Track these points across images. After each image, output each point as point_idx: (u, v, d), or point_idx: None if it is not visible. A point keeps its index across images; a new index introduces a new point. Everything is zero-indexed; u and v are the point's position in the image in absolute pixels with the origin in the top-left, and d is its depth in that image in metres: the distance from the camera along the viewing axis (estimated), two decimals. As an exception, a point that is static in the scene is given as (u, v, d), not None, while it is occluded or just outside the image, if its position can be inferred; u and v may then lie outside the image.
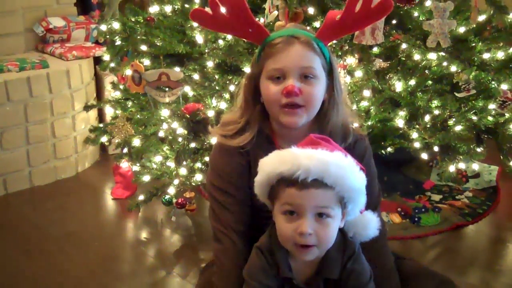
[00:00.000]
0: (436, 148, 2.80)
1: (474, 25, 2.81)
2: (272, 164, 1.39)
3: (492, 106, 2.83)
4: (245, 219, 1.64)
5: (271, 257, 1.40)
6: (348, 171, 1.36)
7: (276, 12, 2.49)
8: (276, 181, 1.38)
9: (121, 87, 3.25)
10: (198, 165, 2.83)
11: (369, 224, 1.49)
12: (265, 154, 1.46)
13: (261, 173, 1.42)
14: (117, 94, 3.30)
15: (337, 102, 1.62)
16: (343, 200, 1.38)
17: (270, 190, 1.42)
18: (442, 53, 2.71)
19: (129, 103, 3.15)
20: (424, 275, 1.56)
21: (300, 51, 1.55)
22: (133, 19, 3.05)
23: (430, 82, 2.83)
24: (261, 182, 1.42)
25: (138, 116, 3.02)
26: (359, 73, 2.69)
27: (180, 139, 2.83)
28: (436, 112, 2.75)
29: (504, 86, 2.76)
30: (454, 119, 2.78)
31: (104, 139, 3.48)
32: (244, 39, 2.54)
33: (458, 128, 2.76)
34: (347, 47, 2.74)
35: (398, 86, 2.72)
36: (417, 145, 2.77)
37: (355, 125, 1.75)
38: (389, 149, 2.82)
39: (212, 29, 2.32)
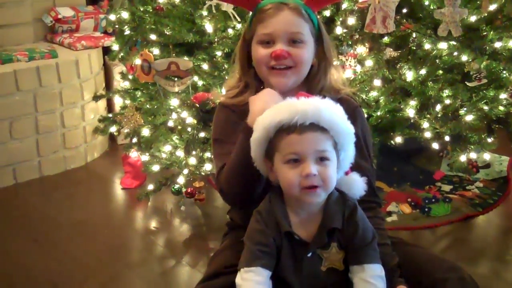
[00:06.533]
0: (447, 138, 2.79)
1: (486, 14, 2.78)
2: (269, 116, 1.45)
3: (503, 95, 2.81)
4: None
5: (270, 217, 1.45)
6: (338, 116, 1.44)
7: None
8: (275, 133, 1.44)
9: (130, 77, 3.25)
10: (208, 154, 2.83)
11: (354, 184, 1.53)
12: None
13: (258, 130, 1.47)
14: (126, 84, 3.31)
15: (327, 67, 1.68)
16: (337, 147, 1.45)
17: (267, 146, 1.47)
18: (453, 42, 2.69)
19: (138, 93, 3.15)
20: (433, 261, 1.56)
21: (289, 17, 1.61)
22: (142, 9, 3.04)
23: (441, 71, 2.80)
24: (259, 139, 1.47)
25: (147, 106, 3.02)
26: (369, 62, 2.68)
27: (189, 129, 2.83)
28: (447, 101, 2.74)
29: (515, 76, 2.74)
30: (465, 109, 2.77)
31: (113, 129, 3.49)
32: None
33: (469, 118, 2.75)
34: (357, 36, 2.72)
35: (409, 75, 2.70)
36: (428, 135, 2.76)
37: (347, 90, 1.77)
38: (398, 139, 2.81)
39: None
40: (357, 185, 1.54)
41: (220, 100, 1.79)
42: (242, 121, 1.60)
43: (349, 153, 1.49)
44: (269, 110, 1.47)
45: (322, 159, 1.40)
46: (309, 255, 1.44)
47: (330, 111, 1.43)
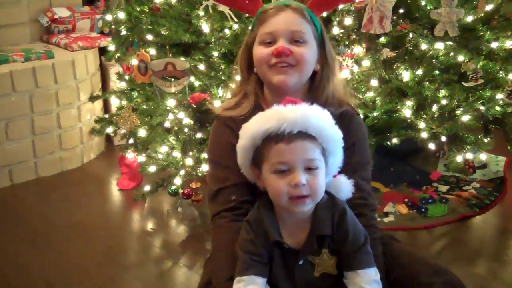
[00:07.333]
0: (443, 138, 2.79)
1: (482, 14, 2.78)
2: (256, 124, 1.43)
3: (500, 96, 2.82)
4: (244, 191, 1.60)
5: (258, 226, 1.43)
6: (326, 122, 1.43)
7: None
8: (262, 142, 1.42)
9: (127, 77, 3.24)
10: (204, 155, 2.82)
11: (341, 187, 1.51)
12: None
13: (244, 138, 1.45)
14: (123, 85, 3.30)
15: (329, 74, 1.65)
16: (325, 153, 1.43)
17: (254, 154, 1.45)
18: (449, 43, 2.69)
19: (135, 94, 3.14)
20: (419, 264, 1.54)
21: (291, 16, 1.60)
22: (138, 9, 3.03)
23: (437, 71, 2.81)
24: (245, 147, 1.45)
25: (144, 106, 3.01)
26: (366, 63, 2.68)
27: (186, 129, 2.82)
28: (444, 102, 2.74)
29: (512, 76, 2.74)
30: (461, 109, 2.77)
31: (109, 130, 3.47)
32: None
33: (465, 118, 2.75)
34: (354, 37, 2.72)
35: (406, 75, 2.71)
36: (424, 135, 2.76)
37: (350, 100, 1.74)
38: (394, 140, 2.81)
39: None
40: (345, 187, 1.52)
41: (217, 113, 1.73)
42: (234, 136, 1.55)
43: (338, 158, 1.48)
44: (256, 117, 1.45)
45: (311, 168, 1.38)
46: (300, 262, 1.42)
47: (318, 118, 1.41)
